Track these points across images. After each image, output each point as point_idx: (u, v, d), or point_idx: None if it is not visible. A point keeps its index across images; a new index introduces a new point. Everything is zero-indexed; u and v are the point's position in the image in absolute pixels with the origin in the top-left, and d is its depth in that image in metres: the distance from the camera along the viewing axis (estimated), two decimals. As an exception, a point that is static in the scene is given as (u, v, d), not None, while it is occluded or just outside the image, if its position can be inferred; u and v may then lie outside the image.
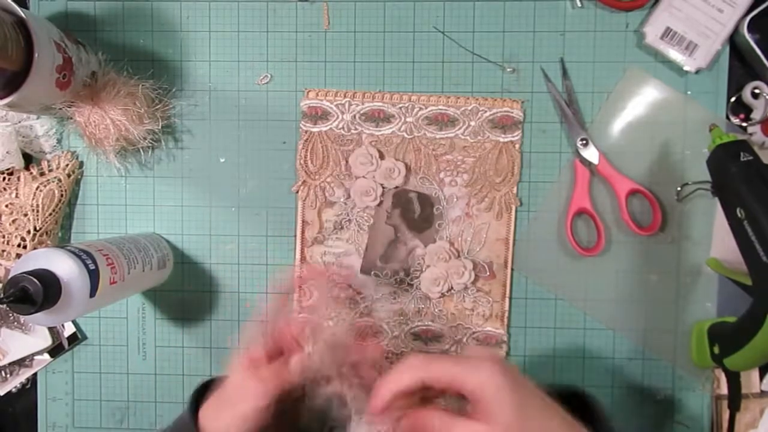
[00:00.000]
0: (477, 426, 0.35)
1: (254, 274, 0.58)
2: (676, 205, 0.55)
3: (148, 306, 0.58)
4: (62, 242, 0.58)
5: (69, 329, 0.58)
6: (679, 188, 0.55)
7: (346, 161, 0.56)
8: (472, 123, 0.55)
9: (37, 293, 0.40)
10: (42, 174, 0.56)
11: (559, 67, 0.55)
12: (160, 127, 0.55)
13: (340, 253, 0.56)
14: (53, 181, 0.55)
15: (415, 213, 0.56)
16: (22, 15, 0.45)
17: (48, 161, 0.57)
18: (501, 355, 0.55)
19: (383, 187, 0.55)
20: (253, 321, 0.52)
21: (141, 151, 0.55)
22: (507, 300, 0.56)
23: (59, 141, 0.58)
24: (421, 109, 0.55)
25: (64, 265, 0.43)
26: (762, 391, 0.56)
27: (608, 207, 0.56)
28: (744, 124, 0.54)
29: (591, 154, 0.54)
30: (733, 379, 0.52)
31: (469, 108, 0.55)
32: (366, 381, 0.40)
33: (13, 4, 0.45)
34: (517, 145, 0.55)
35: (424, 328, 0.56)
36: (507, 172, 0.55)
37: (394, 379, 0.37)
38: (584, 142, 0.54)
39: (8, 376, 0.58)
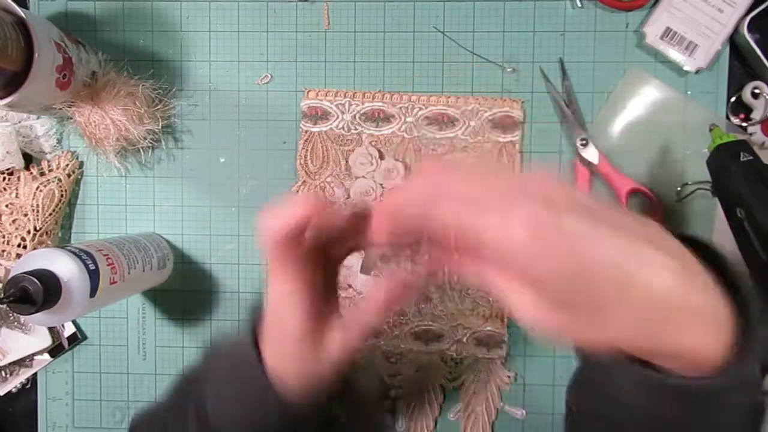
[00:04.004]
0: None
1: (254, 274, 0.58)
2: (676, 205, 0.55)
3: (148, 306, 0.58)
4: (62, 242, 0.58)
5: (69, 329, 0.58)
6: (679, 188, 0.55)
7: (346, 161, 0.56)
8: (472, 123, 0.55)
9: (37, 293, 0.40)
10: (42, 174, 0.56)
11: (559, 68, 0.55)
12: (160, 127, 0.55)
13: (340, 253, 0.56)
14: (53, 181, 0.55)
15: (415, 213, 0.56)
16: (22, 15, 0.45)
17: (48, 161, 0.57)
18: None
19: (383, 187, 0.55)
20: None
21: (141, 151, 0.56)
22: (507, 300, 0.56)
23: (59, 141, 0.58)
24: (421, 109, 0.55)
25: (64, 265, 0.43)
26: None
27: (608, 207, 0.56)
28: (744, 124, 0.54)
29: (591, 154, 0.54)
30: (733, 379, 0.52)
31: (469, 108, 0.55)
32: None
33: (13, 4, 0.45)
34: (516, 145, 0.55)
35: (425, 328, 0.56)
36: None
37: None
38: (584, 142, 0.54)
39: (8, 376, 0.58)
